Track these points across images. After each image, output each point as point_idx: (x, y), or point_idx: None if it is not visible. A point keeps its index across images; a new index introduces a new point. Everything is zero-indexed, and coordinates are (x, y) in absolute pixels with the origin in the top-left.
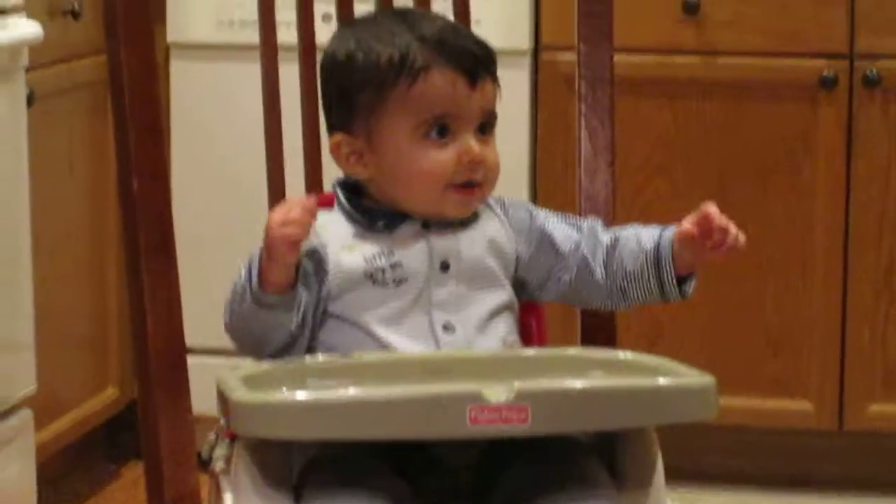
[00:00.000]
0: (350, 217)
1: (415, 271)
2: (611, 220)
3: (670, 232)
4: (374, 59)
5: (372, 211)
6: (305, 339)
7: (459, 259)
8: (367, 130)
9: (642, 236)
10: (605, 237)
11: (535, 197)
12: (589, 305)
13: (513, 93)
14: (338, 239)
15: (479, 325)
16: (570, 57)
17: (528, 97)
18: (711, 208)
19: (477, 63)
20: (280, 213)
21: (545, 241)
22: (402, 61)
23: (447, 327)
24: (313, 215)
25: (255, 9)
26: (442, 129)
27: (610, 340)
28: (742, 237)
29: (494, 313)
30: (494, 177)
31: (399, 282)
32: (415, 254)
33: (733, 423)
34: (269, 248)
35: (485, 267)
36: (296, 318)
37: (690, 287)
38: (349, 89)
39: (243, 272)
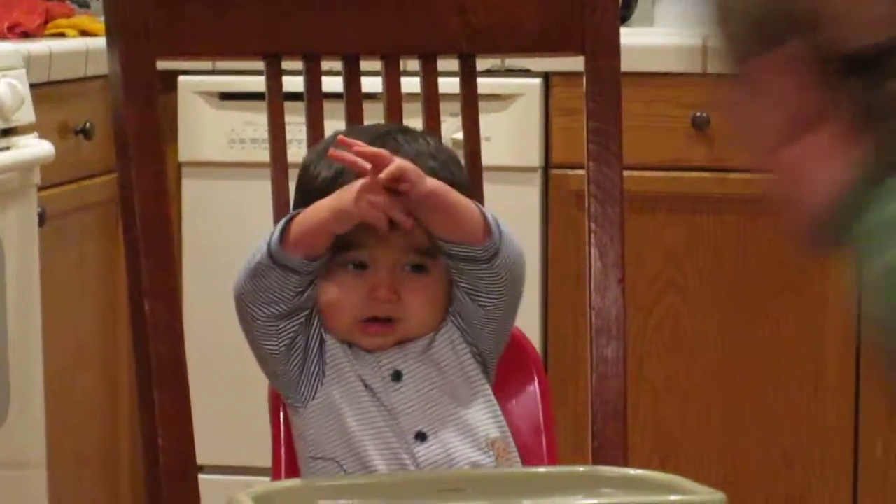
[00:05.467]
0: None
1: (370, 382)
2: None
3: None
4: (314, 174)
5: None
6: (299, 325)
7: (409, 366)
8: None
9: None
10: None
11: (546, 312)
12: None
13: (523, 209)
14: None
15: (455, 428)
16: (580, 174)
17: (539, 214)
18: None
19: None
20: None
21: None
22: (332, 183)
23: (420, 436)
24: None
25: (265, 127)
26: (359, 264)
27: (621, 457)
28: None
29: (467, 409)
30: (417, 319)
31: (366, 388)
32: (367, 366)
33: None
34: (341, 204)
35: (442, 365)
36: (304, 290)
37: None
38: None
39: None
